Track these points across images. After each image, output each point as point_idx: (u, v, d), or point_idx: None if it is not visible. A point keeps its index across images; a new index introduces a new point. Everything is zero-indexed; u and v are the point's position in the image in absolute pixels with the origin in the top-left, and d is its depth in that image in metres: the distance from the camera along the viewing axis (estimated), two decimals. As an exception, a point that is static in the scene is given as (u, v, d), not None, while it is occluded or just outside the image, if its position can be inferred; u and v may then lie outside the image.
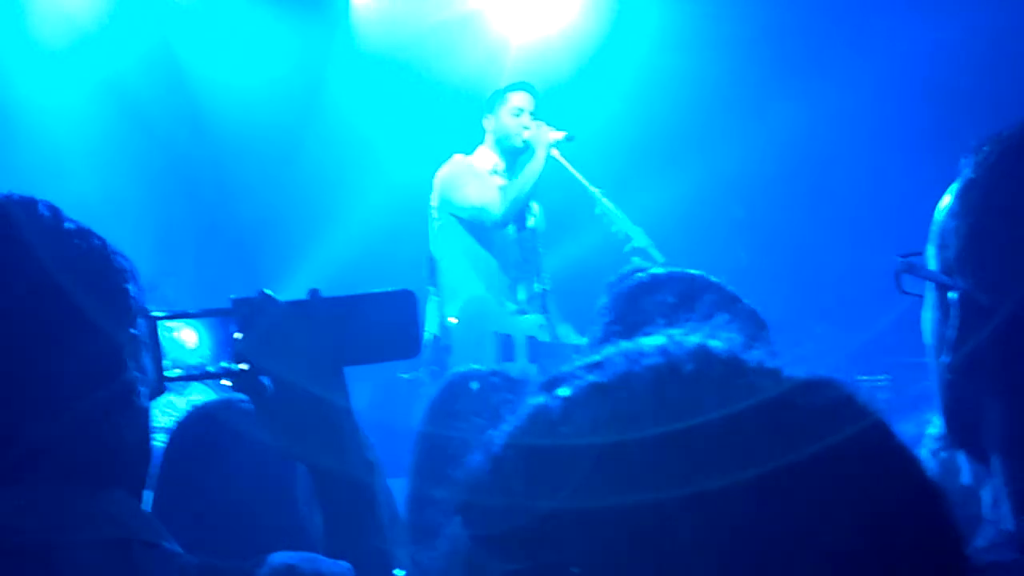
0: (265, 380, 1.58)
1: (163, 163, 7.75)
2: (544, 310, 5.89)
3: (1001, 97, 6.19)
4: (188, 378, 1.52)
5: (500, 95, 5.93)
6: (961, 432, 1.25)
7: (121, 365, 1.42)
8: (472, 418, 2.22)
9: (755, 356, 0.73)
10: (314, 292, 1.64)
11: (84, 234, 1.44)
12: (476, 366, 2.66)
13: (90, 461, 1.39)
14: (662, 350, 0.72)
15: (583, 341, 5.34)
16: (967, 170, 1.20)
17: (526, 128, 5.79)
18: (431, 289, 5.85)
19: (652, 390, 0.70)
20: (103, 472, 1.39)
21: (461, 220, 5.79)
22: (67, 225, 1.43)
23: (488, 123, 5.94)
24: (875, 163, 7.32)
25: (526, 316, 5.79)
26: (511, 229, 5.84)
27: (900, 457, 0.72)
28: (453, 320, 5.62)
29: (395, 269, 6.77)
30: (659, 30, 7.66)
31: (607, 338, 1.94)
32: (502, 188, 5.70)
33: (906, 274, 1.27)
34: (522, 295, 5.89)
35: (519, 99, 5.87)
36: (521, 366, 5.45)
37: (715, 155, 7.47)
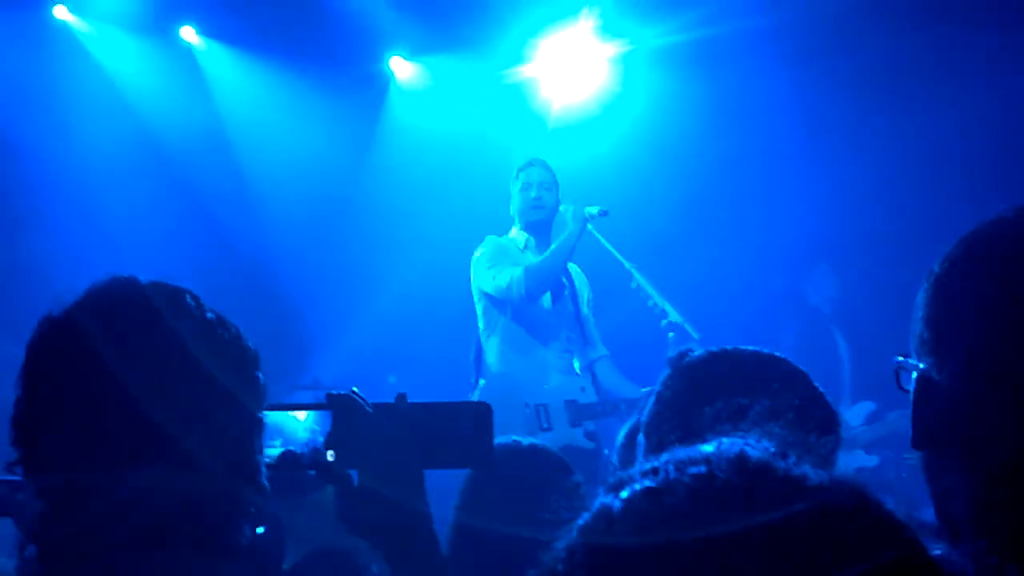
0: (352, 473, 1.71)
1: (208, 235, 7.89)
2: (589, 373, 5.87)
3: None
4: (279, 467, 1.63)
5: (513, 174, 5.98)
6: (937, 503, 1.33)
7: (252, 448, 1.53)
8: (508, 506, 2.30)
9: (784, 465, 0.79)
10: (401, 397, 1.77)
11: (223, 323, 1.55)
12: (514, 437, 2.67)
13: (217, 533, 1.48)
14: (706, 458, 0.79)
15: (641, 392, 5.38)
16: (935, 265, 1.33)
17: (536, 201, 5.85)
18: (473, 371, 5.89)
19: (691, 496, 0.77)
20: (228, 544, 1.49)
21: (494, 300, 5.82)
22: (209, 315, 1.54)
23: (510, 203, 6.00)
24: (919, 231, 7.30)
25: (564, 383, 5.75)
26: (546, 302, 5.85)
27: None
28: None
29: (444, 350, 6.85)
30: (689, 105, 7.76)
31: (664, 417, 1.96)
32: (527, 265, 5.70)
33: (902, 371, 1.39)
34: (574, 364, 5.85)
35: (528, 175, 5.92)
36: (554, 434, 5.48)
37: (750, 228, 7.53)
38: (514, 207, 5.97)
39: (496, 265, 5.77)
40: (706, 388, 1.91)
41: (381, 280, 8.00)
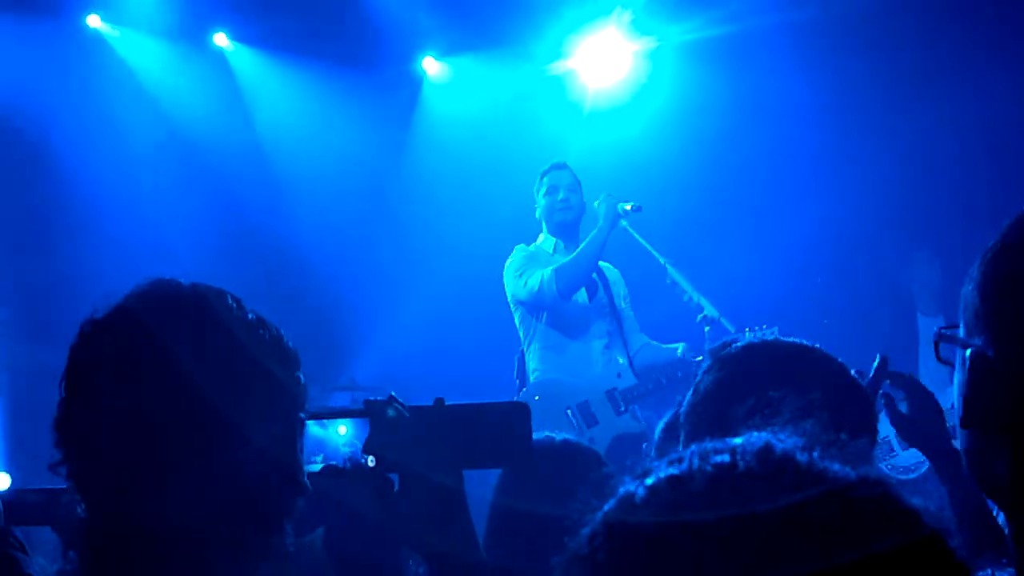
0: (392, 476, 1.72)
1: (242, 238, 7.94)
2: (628, 361, 5.86)
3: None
4: (321, 476, 1.65)
5: (538, 179, 6.01)
6: (980, 482, 1.33)
7: (295, 448, 1.54)
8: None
9: (807, 457, 0.79)
10: (439, 400, 1.78)
11: (264, 324, 1.55)
12: (547, 433, 2.67)
13: (261, 534, 1.49)
14: (731, 449, 0.80)
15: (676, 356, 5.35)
16: (993, 242, 1.32)
17: (564, 202, 5.86)
18: (517, 382, 5.90)
19: (710, 483, 0.78)
20: (272, 545, 1.50)
21: (529, 307, 5.83)
22: (250, 316, 1.55)
23: (536, 208, 6.02)
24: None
25: (602, 374, 5.76)
26: (582, 298, 5.84)
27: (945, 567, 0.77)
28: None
29: (480, 352, 6.87)
30: (721, 100, 7.73)
31: (699, 410, 1.96)
32: (557, 264, 5.71)
33: (942, 343, 1.38)
34: (614, 358, 5.87)
35: (552, 178, 5.94)
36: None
37: (786, 221, 7.50)
38: (541, 211, 5.99)
39: (526, 270, 5.78)
40: (742, 381, 1.90)
41: (416, 280, 8.02)
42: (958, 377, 1.34)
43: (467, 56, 8.40)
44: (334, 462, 1.76)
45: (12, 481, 7.03)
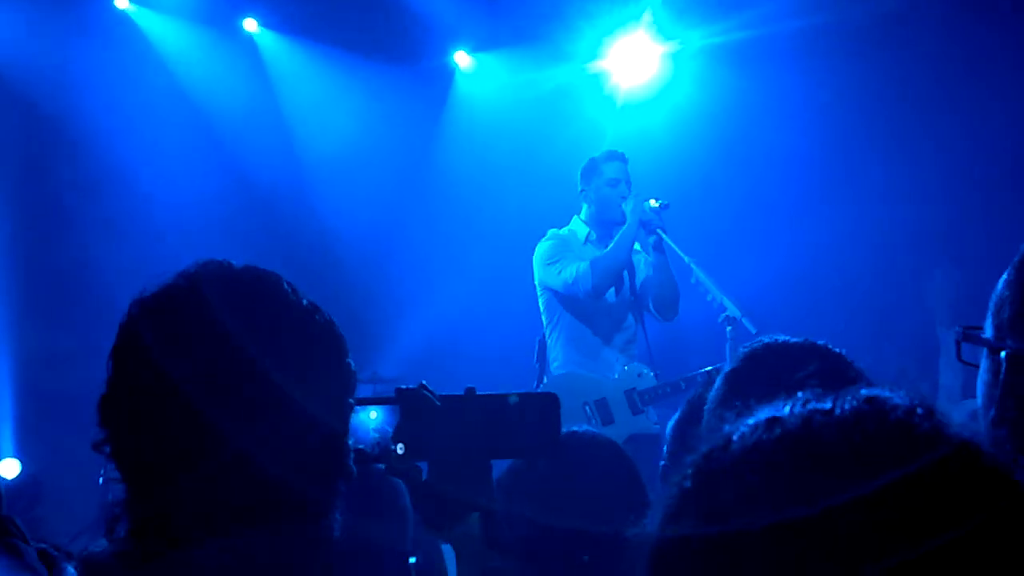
0: (422, 465, 1.72)
1: (268, 228, 7.95)
2: (649, 359, 5.87)
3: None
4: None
5: (594, 167, 5.91)
6: None
7: (344, 432, 1.55)
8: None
9: (905, 404, 0.82)
10: (470, 390, 1.79)
11: (318, 309, 1.56)
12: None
13: (307, 516, 1.49)
14: (833, 397, 0.82)
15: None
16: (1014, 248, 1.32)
17: (623, 198, 5.79)
18: (537, 367, 5.90)
19: (805, 423, 0.80)
20: (317, 528, 1.50)
21: (557, 295, 5.81)
22: (305, 301, 1.55)
23: (585, 195, 5.94)
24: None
25: (624, 373, 5.76)
26: (610, 295, 5.83)
27: None
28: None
29: (504, 344, 6.86)
30: (749, 101, 7.73)
31: (726, 406, 1.98)
32: (592, 259, 5.68)
33: (965, 343, 1.38)
34: (635, 351, 5.88)
35: (613, 169, 5.86)
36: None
37: (805, 226, 7.48)
38: (593, 198, 5.90)
39: (560, 260, 5.76)
40: (751, 382, 1.93)
41: (441, 274, 8.03)
42: (987, 378, 1.34)
43: (498, 52, 8.40)
44: (362, 446, 1.77)
45: (22, 466, 7.07)
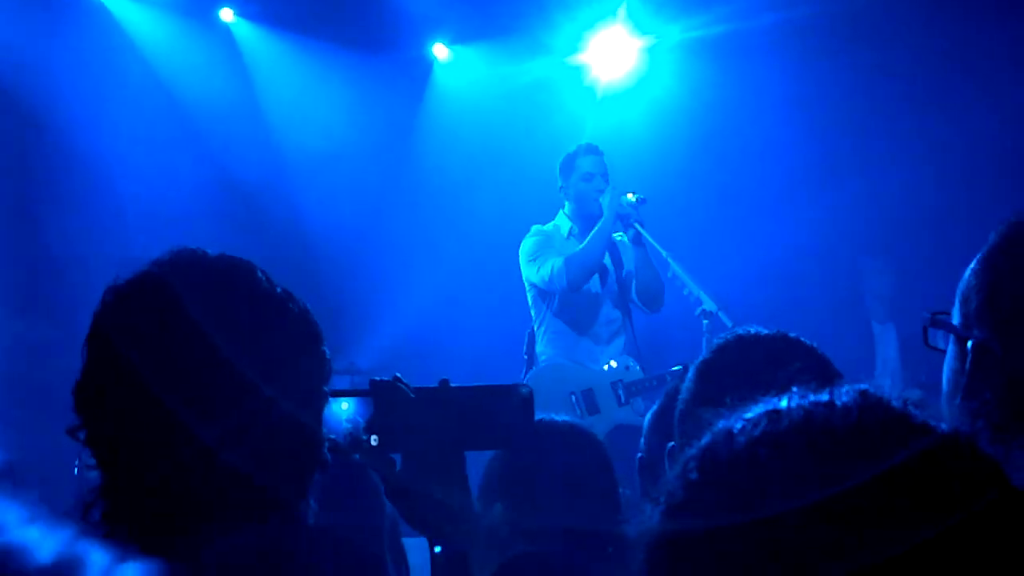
0: (395, 457, 1.73)
1: (244, 218, 7.88)
2: (636, 350, 5.91)
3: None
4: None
5: (570, 162, 5.95)
6: None
7: (318, 421, 1.55)
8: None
9: (899, 403, 0.84)
10: (444, 382, 1.80)
11: (292, 298, 1.56)
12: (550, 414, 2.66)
13: (279, 503, 1.49)
14: (829, 391, 0.84)
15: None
16: (992, 235, 1.34)
17: (599, 192, 5.83)
18: (525, 359, 5.95)
19: (806, 417, 0.82)
20: (290, 515, 1.50)
21: (540, 290, 5.87)
22: (279, 289, 1.55)
23: (565, 191, 5.99)
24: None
25: (610, 365, 5.80)
26: (595, 286, 5.87)
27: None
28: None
29: (485, 335, 6.87)
30: (725, 92, 7.75)
31: (698, 397, 1.99)
32: (567, 256, 5.71)
33: (932, 328, 1.40)
34: (622, 342, 5.91)
35: (588, 163, 5.90)
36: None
37: (786, 216, 7.51)
38: (571, 194, 5.95)
39: (539, 256, 5.80)
40: (723, 374, 1.95)
41: (418, 264, 8.02)
42: (954, 365, 1.37)
43: (477, 44, 8.39)
44: (334, 436, 1.77)
45: (-1, 455, 7.02)
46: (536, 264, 5.79)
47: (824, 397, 0.83)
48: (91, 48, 7.81)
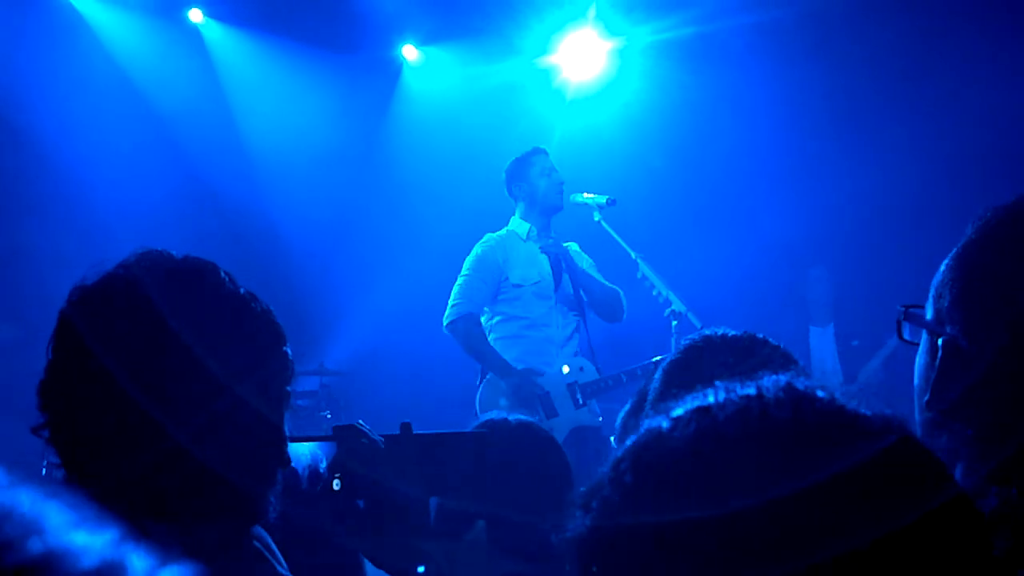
0: (359, 503, 1.75)
1: (213, 219, 7.86)
2: (590, 352, 5.89)
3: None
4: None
5: (524, 163, 5.94)
6: None
7: (280, 420, 1.55)
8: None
9: (825, 393, 0.83)
10: (406, 426, 1.82)
11: (256, 299, 1.57)
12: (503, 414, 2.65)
13: (243, 500, 1.50)
14: (756, 384, 0.84)
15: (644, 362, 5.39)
16: (968, 228, 1.35)
17: (561, 185, 5.84)
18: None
19: (740, 412, 0.81)
20: (254, 512, 1.51)
21: (496, 293, 5.86)
22: (242, 290, 1.56)
23: (519, 190, 5.96)
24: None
25: (563, 368, 5.78)
26: (548, 293, 5.85)
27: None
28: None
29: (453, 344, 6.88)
30: (694, 94, 7.78)
31: (665, 396, 2.01)
32: (467, 330, 5.71)
33: (906, 322, 1.41)
34: (576, 344, 5.89)
35: (543, 160, 5.90)
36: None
37: (753, 219, 7.55)
38: (534, 192, 5.91)
39: (465, 280, 5.83)
40: (689, 373, 1.96)
41: (386, 265, 8.01)
42: (925, 359, 1.38)
43: (446, 45, 8.39)
44: (295, 467, 1.78)
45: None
46: (460, 280, 5.83)
47: (752, 390, 0.83)
48: (59, 48, 7.76)
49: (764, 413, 0.80)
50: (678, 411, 0.84)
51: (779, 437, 0.79)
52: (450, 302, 5.80)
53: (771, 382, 0.84)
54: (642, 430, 0.85)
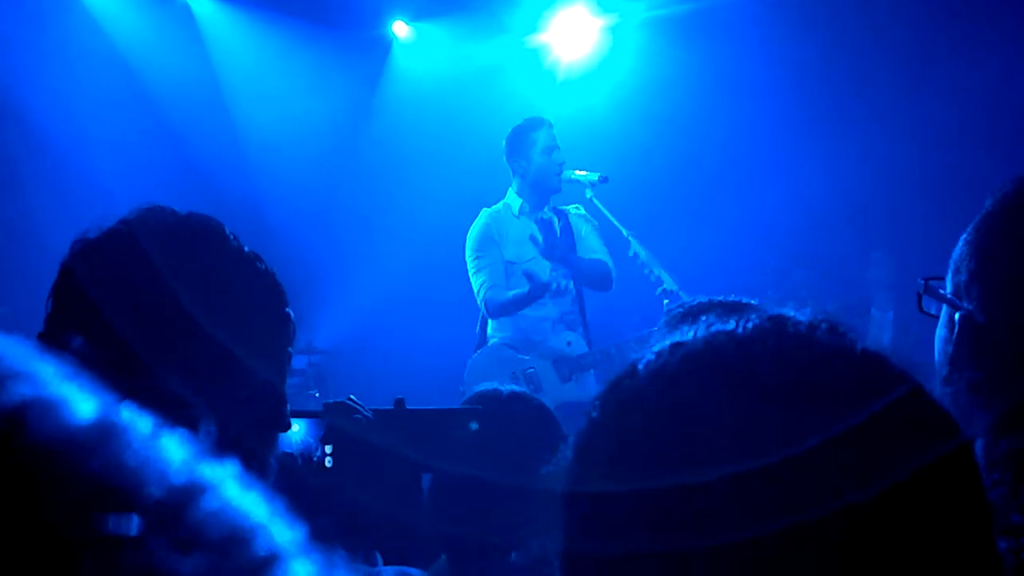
0: (350, 478, 1.73)
1: (203, 196, 7.72)
2: (581, 325, 5.85)
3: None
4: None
5: (523, 136, 5.80)
6: None
7: (282, 381, 1.54)
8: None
9: (802, 319, 0.81)
10: (399, 402, 1.79)
11: (259, 258, 1.55)
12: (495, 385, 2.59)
13: (248, 456, 1.44)
14: (735, 320, 0.81)
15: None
16: (988, 201, 1.32)
17: (560, 164, 5.75)
18: (478, 336, 5.91)
19: (709, 344, 0.79)
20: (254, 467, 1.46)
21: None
22: (247, 249, 1.54)
23: (516, 164, 5.84)
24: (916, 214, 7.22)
25: (553, 341, 5.75)
26: (543, 262, 5.75)
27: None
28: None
29: (442, 313, 6.84)
30: (689, 72, 7.75)
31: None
32: (501, 300, 5.66)
33: (926, 296, 1.39)
34: (568, 316, 5.85)
35: (545, 136, 5.76)
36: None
37: (749, 199, 7.53)
38: (530, 169, 5.79)
39: (479, 260, 5.78)
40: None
41: (376, 243, 7.98)
42: (943, 333, 1.37)
43: (437, 22, 8.33)
44: (288, 450, 1.76)
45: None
46: (473, 267, 5.78)
47: (729, 325, 0.80)
48: (48, 23, 7.70)
49: (739, 343, 0.78)
50: (656, 347, 0.82)
51: (753, 368, 0.76)
52: (479, 294, 5.75)
53: (754, 313, 0.81)
54: (621, 370, 0.84)
